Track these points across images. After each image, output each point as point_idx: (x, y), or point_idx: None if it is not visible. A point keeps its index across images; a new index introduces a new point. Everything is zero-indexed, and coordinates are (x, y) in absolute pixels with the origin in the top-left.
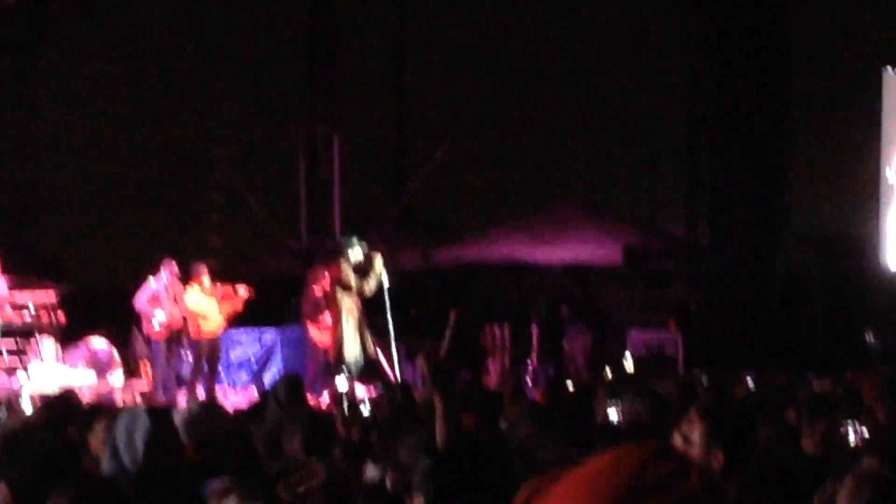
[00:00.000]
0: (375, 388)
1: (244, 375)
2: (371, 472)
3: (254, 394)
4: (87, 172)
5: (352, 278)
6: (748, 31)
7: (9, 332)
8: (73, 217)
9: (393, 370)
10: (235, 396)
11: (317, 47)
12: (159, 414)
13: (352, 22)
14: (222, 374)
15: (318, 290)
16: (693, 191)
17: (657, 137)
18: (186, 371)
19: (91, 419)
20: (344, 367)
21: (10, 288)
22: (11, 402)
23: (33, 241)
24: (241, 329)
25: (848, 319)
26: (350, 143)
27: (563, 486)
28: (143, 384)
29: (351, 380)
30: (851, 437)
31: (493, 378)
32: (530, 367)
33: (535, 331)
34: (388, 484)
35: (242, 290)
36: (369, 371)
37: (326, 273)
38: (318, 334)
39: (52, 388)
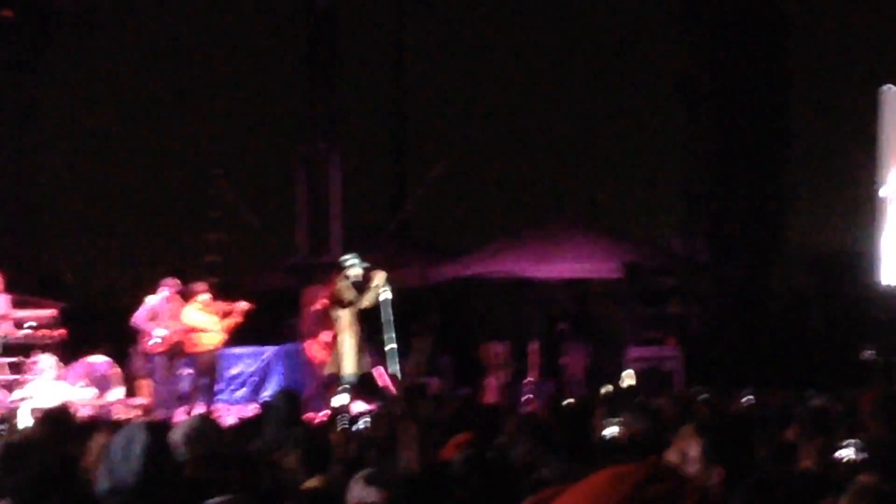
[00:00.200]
0: (374, 404)
1: (243, 392)
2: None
3: (252, 410)
4: (86, 189)
5: (349, 294)
6: (746, 49)
7: (9, 348)
8: (73, 234)
9: (392, 386)
10: (234, 413)
11: (316, 64)
12: (157, 430)
13: (351, 39)
14: (221, 391)
15: (315, 307)
16: (692, 208)
17: (656, 155)
18: (185, 387)
19: (88, 435)
20: (342, 383)
21: (12, 306)
22: (10, 419)
23: (34, 259)
24: (240, 346)
25: (846, 336)
26: (349, 160)
27: (564, 502)
28: (142, 401)
29: (349, 396)
30: (849, 454)
31: (491, 394)
32: (529, 384)
33: (533, 347)
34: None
35: (242, 304)
36: (368, 387)
37: (324, 290)
38: (317, 351)
39: (51, 404)
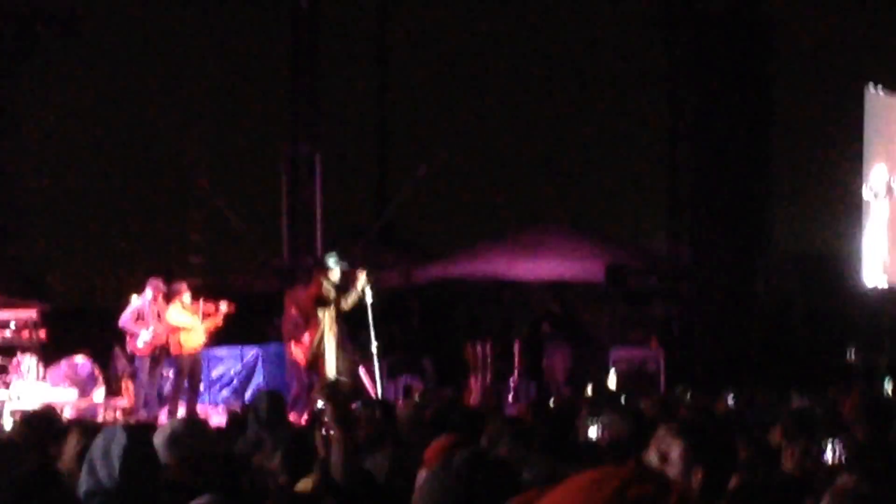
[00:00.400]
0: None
1: (225, 393)
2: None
3: (235, 411)
4: (69, 191)
5: (331, 293)
6: (729, 51)
7: None
8: (55, 235)
9: (374, 387)
10: (216, 414)
11: (299, 66)
12: (136, 431)
13: (334, 41)
14: (204, 392)
15: (298, 308)
16: (675, 209)
17: (639, 156)
18: (168, 388)
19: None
20: (325, 384)
21: None
22: None
23: (15, 260)
24: (223, 347)
25: (829, 337)
26: (332, 162)
27: None
28: (124, 402)
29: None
30: (830, 456)
31: (474, 395)
32: (512, 385)
33: (516, 348)
34: None
35: (224, 306)
36: (350, 388)
37: (306, 290)
38: (299, 352)
39: (33, 405)
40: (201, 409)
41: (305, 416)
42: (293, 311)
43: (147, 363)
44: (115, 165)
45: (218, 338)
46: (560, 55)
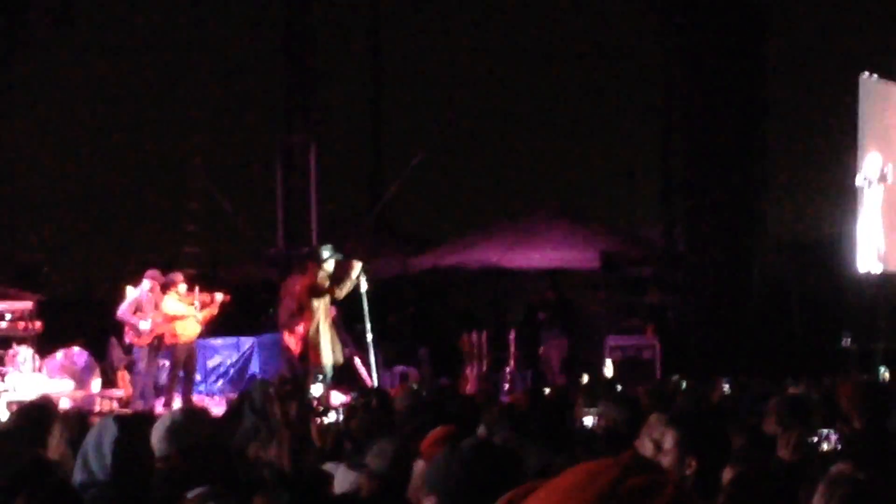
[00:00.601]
0: (351, 394)
1: (221, 383)
2: (345, 478)
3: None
4: (64, 181)
5: (325, 283)
6: (723, 37)
7: None
8: (50, 226)
9: (370, 376)
10: (212, 404)
11: (293, 56)
12: (129, 423)
13: (328, 30)
14: (200, 382)
15: (293, 298)
16: (670, 197)
17: (634, 144)
18: (164, 379)
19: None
20: (320, 373)
21: None
22: None
23: (10, 251)
24: (218, 337)
25: (825, 324)
26: (327, 151)
27: (539, 498)
28: (120, 392)
29: (327, 386)
30: (826, 443)
31: (470, 384)
32: (508, 373)
33: (512, 336)
34: (363, 491)
35: (219, 296)
36: (345, 378)
37: (300, 280)
38: (295, 342)
39: (29, 396)
40: (197, 399)
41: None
42: (288, 300)
43: (145, 354)
44: (109, 156)
45: (214, 328)
46: (554, 43)
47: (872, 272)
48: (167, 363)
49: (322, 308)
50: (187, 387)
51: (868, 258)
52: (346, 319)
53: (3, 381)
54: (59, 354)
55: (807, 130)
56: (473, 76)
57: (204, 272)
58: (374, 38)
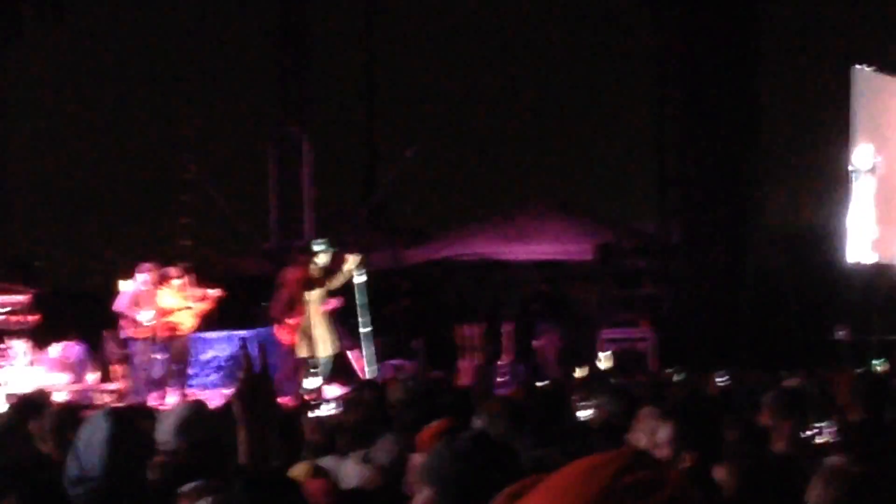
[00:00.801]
0: (345, 387)
1: (215, 377)
2: (354, 472)
3: (224, 396)
4: (58, 174)
5: (318, 276)
6: (717, 29)
7: None
8: (44, 219)
9: (364, 369)
10: (206, 398)
11: (287, 49)
12: (121, 417)
13: (322, 22)
14: (194, 376)
15: (285, 291)
16: (664, 190)
17: (628, 136)
18: (159, 372)
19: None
20: (314, 367)
21: None
22: None
23: (4, 244)
24: (212, 331)
25: (820, 315)
26: (321, 144)
27: (539, 493)
28: (116, 386)
29: (321, 380)
30: (821, 436)
31: (465, 377)
32: (503, 366)
33: (506, 329)
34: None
35: (214, 291)
36: (339, 370)
37: (293, 273)
38: (289, 335)
39: (25, 389)
40: (191, 392)
41: (294, 399)
42: (281, 293)
43: (141, 347)
44: (103, 149)
45: (208, 321)
46: (548, 36)
47: (866, 263)
48: (162, 357)
49: (315, 301)
50: (181, 381)
51: (861, 249)
52: (341, 312)
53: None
54: (55, 348)
55: (800, 122)
56: (467, 69)
57: (197, 265)
58: (367, 31)
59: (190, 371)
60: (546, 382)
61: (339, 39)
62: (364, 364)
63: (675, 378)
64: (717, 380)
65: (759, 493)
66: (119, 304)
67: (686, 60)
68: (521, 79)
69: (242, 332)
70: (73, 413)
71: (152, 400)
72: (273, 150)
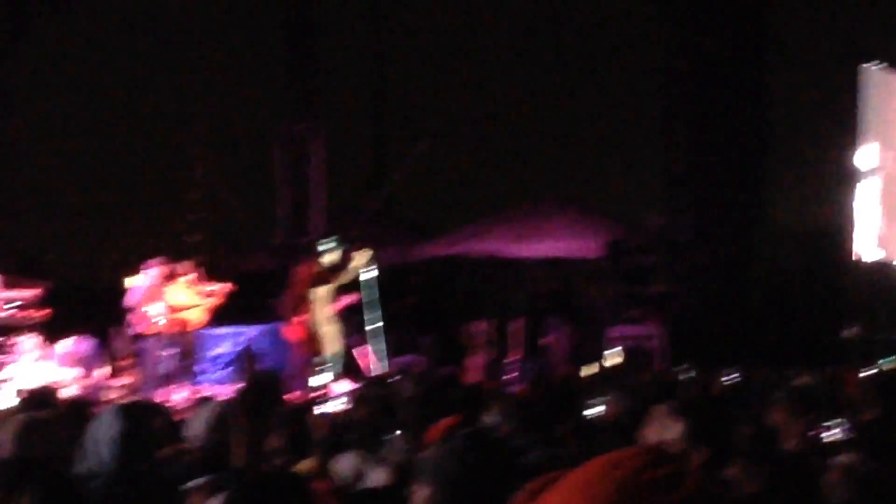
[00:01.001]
0: (353, 384)
1: (223, 373)
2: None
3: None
4: (67, 170)
5: (325, 272)
6: (725, 26)
7: None
8: (53, 214)
9: (373, 366)
10: (214, 394)
11: (296, 43)
12: (131, 414)
13: (330, 17)
14: (203, 371)
15: (295, 289)
16: (673, 186)
17: (637, 133)
18: (168, 368)
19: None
20: (322, 363)
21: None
22: None
23: (14, 239)
24: (221, 326)
25: (828, 313)
26: (330, 139)
27: (561, 489)
28: (125, 381)
29: (329, 376)
30: (832, 434)
31: (474, 374)
32: (512, 363)
33: (516, 326)
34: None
35: (222, 286)
36: (347, 367)
37: (301, 270)
38: (297, 332)
39: (34, 384)
40: (200, 388)
41: (303, 395)
42: (290, 290)
43: (151, 343)
44: (112, 144)
45: (217, 317)
46: (557, 32)
47: (872, 260)
48: (172, 352)
49: (322, 298)
50: (189, 376)
51: (868, 247)
52: (350, 308)
53: (8, 369)
54: (65, 343)
55: (809, 119)
56: (477, 65)
57: (207, 261)
58: (377, 25)
59: (198, 367)
60: (556, 379)
61: (348, 35)
62: (372, 360)
63: (684, 376)
64: (726, 378)
65: (772, 492)
66: (130, 300)
67: (695, 58)
68: (530, 75)
69: (251, 329)
70: (85, 410)
71: (161, 396)
72: (282, 146)
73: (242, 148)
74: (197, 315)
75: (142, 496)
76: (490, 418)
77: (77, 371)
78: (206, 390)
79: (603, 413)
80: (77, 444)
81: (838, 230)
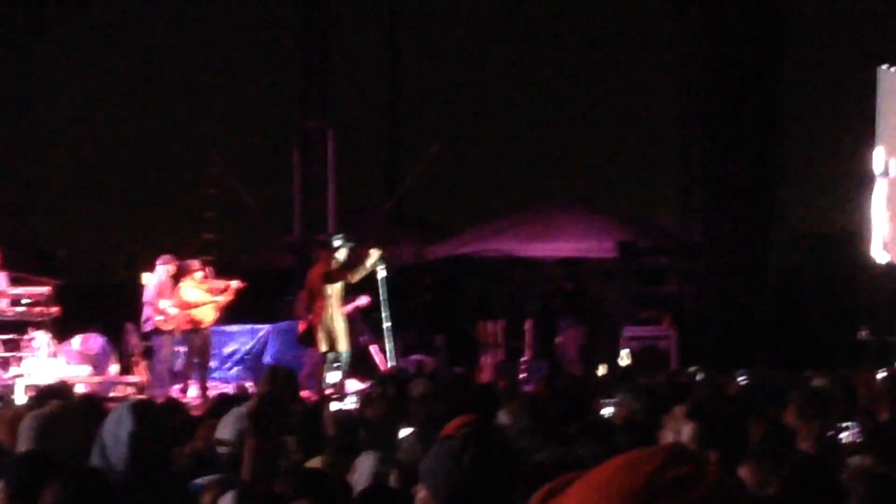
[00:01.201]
0: (366, 382)
1: (236, 370)
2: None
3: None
4: (81, 166)
5: (338, 270)
6: (741, 28)
7: (4, 325)
8: (68, 211)
9: (386, 364)
10: (228, 391)
11: (310, 42)
12: (145, 412)
13: (346, 17)
14: (216, 369)
15: (309, 287)
16: (687, 187)
17: (651, 134)
18: (180, 365)
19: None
20: (335, 361)
21: (9, 282)
22: (5, 395)
23: (28, 235)
24: (234, 324)
25: (842, 315)
26: (344, 138)
27: (579, 489)
28: (137, 378)
29: (343, 374)
30: (847, 436)
31: (486, 373)
32: (524, 363)
33: (528, 326)
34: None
35: (235, 283)
36: (360, 365)
37: (314, 269)
38: (312, 329)
39: (46, 381)
40: (212, 385)
41: (316, 393)
42: (304, 289)
43: (164, 340)
44: (127, 141)
45: (230, 314)
46: (572, 33)
47: (881, 263)
48: (183, 349)
49: (336, 296)
50: (202, 374)
51: (880, 249)
52: (368, 305)
53: (20, 366)
54: (76, 340)
55: (824, 122)
56: (491, 65)
57: (221, 258)
58: (391, 25)
59: (211, 364)
60: (568, 379)
61: (363, 33)
62: (385, 359)
63: (698, 377)
64: (741, 378)
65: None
66: (148, 296)
67: (711, 59)
68: (545, 75)
69: (264, 326)
70: (99, 407)
71: (174, 393)
72: (297, 144)
73: (257, 146)
74: (209, 313)
75: (155, 492)
76: (505, 418)
77: (88, 368)
78: (219, 387)
79: (615, 413)
80: (92, 439)
81: (853, 232)
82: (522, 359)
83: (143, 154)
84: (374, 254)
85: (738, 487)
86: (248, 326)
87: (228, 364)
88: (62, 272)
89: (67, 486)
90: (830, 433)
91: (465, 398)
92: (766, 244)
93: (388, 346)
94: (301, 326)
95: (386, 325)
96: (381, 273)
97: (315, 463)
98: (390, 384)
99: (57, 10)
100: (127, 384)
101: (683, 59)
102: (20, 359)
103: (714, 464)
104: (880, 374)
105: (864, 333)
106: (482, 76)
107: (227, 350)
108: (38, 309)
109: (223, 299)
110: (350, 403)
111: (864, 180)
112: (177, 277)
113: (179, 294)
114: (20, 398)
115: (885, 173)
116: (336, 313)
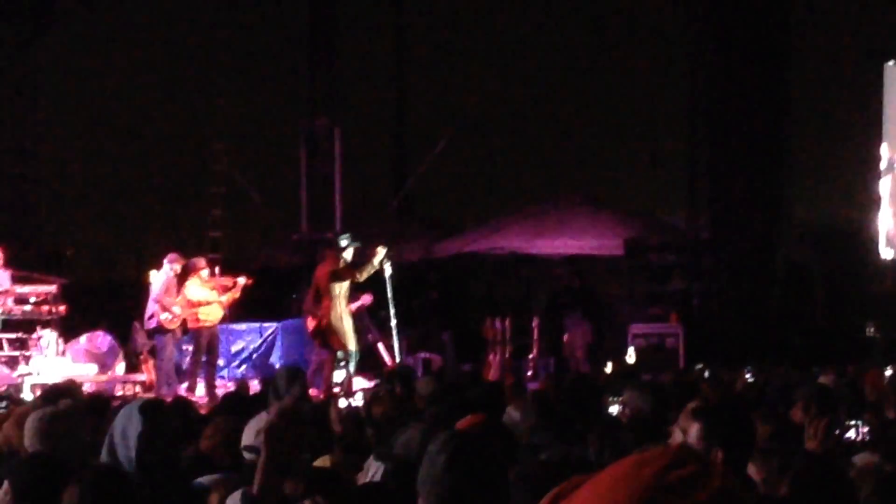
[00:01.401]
0: (373, 380)
1: (244, 368)
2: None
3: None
4: (88, 165)
5: (346, 268)
6: (749, 25)
7: (11, 324)
8: (74, 210)
9: (393, 362)
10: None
11: (317, 39)
12: (153, 412)
13: (353, 14)
14: (223, 367)
15: (316, 286)
16: (694, 184)
17: (658, 130)
18: (187, 363)
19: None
20: (343, 359)
21: (14, 281)
22: (12, 394)
23: (35, 234)
24: (242, 322)
25: (849, 312)
26: (351, 135)
27: (587, 490)
28: (143, 377)
29: (350, 372)
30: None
31: (493, 371)
32: (531, 360)
33: (535, 323)
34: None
35: (242, 280)
36: (367, 363)
37: (320, 267)
38: (319, 327)
39: (53, 380)
40: (220, 384)
41: (323, 391)
42: (312, 288)
43: (170, 338)
44: (134, 140)
45: (237, 312)
46: (580, 29)
47: (891, 259)
48: (190, 348)
49: (343, 294)
50: (210, 372)
51: (887, 246)
52: (371, 305)
53: (27, 364)
54: (83, 338)
55: (832, 117)
56: (499, 60)
57: (228, 256)
58: (398, 22)
59: (219, 362)
60: (575, 377)
61: (369, 30)
62: (392, 356)
63: (704, 374)
64: (749, 375)
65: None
66: (156, 295)
67: (718, 56)
68: (552, 71)
69: (272, 324)
70: (106, 406)
71: (181, 391)
72: (304, 142)
73: (265, 144)
74: (216, 311)
75: (164, 492)
76: (514, 415)
77: (95, 366)
78: (227, 386)
79: (621, 411)
80: (98, 438)
81: (860, 228)
82: (529, 356)
83: (151, 152)
84: (381, 251)
85: (743, 488)
86: (257, 325)
87: (236, 362)
88: (69, 271)
89: (88, 486)
90: (837, 431)
91: (473, 396)
92: (772, 240)
93: (395, 343)
94: (310, 323)
95: (392, 322)
96: (388, 270)
97: (323, 462)
98: (398, 381)
99: (64, 8)
100: (134, 382)
101: (691, 55)
102: (28, 357)
103: (719, 464)
104: (888, 372)
105: (871, 330)
106: (489, 73)
107: (235, 348)
108: (45, 308)
109: (229, 297)
110: (357, 401)
111: (871, 176)
112: (183, 276)
113: (184, 293)
114: (27, 397)
115: (891, 168)
116: (344, 312)
